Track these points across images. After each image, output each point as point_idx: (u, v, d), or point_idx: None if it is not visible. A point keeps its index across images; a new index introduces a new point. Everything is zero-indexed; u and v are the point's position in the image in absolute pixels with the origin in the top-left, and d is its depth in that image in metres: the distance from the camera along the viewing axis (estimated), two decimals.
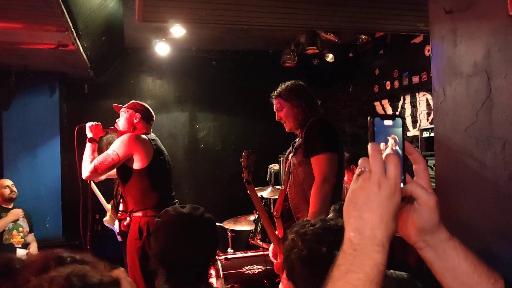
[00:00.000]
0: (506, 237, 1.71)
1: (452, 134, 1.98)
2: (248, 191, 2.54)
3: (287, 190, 2.65)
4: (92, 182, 3.77)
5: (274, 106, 2.73)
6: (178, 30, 4.71)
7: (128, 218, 3.38)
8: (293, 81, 2.74)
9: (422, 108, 4.88)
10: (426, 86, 4.78)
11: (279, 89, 2.72)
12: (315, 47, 5.19)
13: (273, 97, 2.74)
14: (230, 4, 2.77)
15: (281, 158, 4.96)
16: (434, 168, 3.52)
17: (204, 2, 2.73)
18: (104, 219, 4.23)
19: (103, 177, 4.12)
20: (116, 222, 3.47)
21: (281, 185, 4.26)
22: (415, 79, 4.96)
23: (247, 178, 2.53)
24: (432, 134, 3.68)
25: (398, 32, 3.76)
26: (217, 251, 1.76)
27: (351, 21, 3.21)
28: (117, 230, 3.45)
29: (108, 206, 4.21)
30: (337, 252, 1.24)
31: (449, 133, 2.00)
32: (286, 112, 2.68)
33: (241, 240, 5.31)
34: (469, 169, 1.89)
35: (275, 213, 2.62)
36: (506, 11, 1.67)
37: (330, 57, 5.75)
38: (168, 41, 5.21)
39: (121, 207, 3.50)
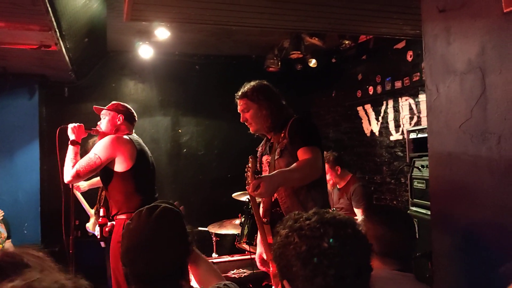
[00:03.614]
0: (503, 233, 1.72)
1: (446, 131, 2.00)
2: (249, 198, 2.43)
3: (276, 195, 2.56)
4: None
5: (239, 107, 2.60)
6: (162, 33, 4.67)
7: (109, 223, 3.31)
8: (258, 81, 2.62)
9: (405, 113, 4.95)
10: (409, 91, 4.86)
11: (244, 89, 2.58)
12: (299, 52, 5.22)
13: (238, 97, 2.61)
14: (220, 3, 2.75)
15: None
16: (421, 168, 3.59)
17: (194, 1, 2.70)
18: (87, 224, 4.12)
19: (86, 188, 4.02)
20: (97, 228, 3.38)
21: None
22: (398, 84, 5.04)
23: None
24: (419, 135, 3.73)
25: (385, 35, 3.81)
26: (190, 253, 1.65)
27: (339, 23, 3.24)
28: (99, 236, 3.37)
29: (91, 211, 4.10)
30: (336, 245, 1.19)
31: (443, 131, 2.02)
32: (253, 114, 2.56)
33: (226, 245, 5.27)
34: (464, 164, 1.90)
35: (264, 219, 2.54)
36: (500, 8, 1.70)
37: (313, 63, 5.80)
38: (151, 44, 5.17)
39: (101, 212, 3.41)
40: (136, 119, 3.48)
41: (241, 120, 2.62)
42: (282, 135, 2.51)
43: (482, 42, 1.81)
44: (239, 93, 2.60)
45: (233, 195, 4.48)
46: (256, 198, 2.40)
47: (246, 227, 3.07)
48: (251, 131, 2.64)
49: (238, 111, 2.62)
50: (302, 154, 2.34)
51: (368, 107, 5.66)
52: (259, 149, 2.79)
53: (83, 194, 4.11)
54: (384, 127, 5.34)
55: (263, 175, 2.34)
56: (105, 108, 3.36)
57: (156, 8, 2.75)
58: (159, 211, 1.59)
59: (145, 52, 5.18)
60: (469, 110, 1.86)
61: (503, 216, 1.73)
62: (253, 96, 2.55)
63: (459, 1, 1.92)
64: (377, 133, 5.48)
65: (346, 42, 5.26)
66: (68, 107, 5.49)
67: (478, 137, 1.82)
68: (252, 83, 2.59)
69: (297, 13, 2.99)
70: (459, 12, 1.92)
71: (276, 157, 2.52)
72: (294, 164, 2.27)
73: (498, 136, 1.74)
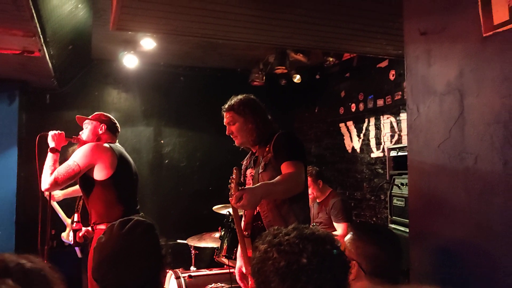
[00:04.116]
0: (479, 251, 1.76)
1: (425, 150, 2.04)
2: (230, 211, 2.43)
3: (258, 208, 2.57)
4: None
5: (225, 119, 2.62)
6: (148, 43, 4.67)
7: (84, 229, 3.26)
8: (245, 95, 2.65)
9: (386, 131, 5.03)
10: (390, 109, 4.95)
11: (231, 102, 2.61)
12: (284, 67, 5.28)
13: (224, 110, 2.63)
14: (207, 17, 2.78)
15: None
16: (401, 186, 3.64)
17: (182, 14, 2.72)
18: (63, 234, 4.04)
19: (61, 197, 3.94)
20: (71, 233, 3.32)
21: None
22: (380, 102, 5.13)
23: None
24: (399, 153, 3.79)
25: (368, 54, 3.89)
26: (164, 266, 1.62)
27: (324, 40, 3.30)
28: (72, 242, 3.31)
29: (68, 221, 4.02)
30: (316, 261, 1.20)
31: (422, 149, 2.06)
32: (238, 127, 2.58)
33: (205, 258, 5.22)
34: (442, 183, 1.95)
35: (245, 232, 2.54)
36: (480, 33, 1.76)
37: (297, 78, 5.87)
38: (137, 54, 5.16)
39: (75, 217, 3.36)
40: (119, 129, 3.45)
41: (227, 133, 2.63)
42: (267, 149, 2.54)
43: (461, 65, 1.87)
44: (226, 106, 2.62)
45: (214, 208, 4.46)
46: (239, 210, 2.41)
47: (225, 241, 3.06)
48: (236, 144, 2.65)
49: (224, 123, 2.63)
50: (285, 168, 2.36)
51: (350, 124, 5.73)
52: (244, 162, 2.80)
53: (59, 202, 4.03)
54: (366, 144, 5.41)
55: (246, 187, 2.35)
56: (88, 118, 3.33)
57: (143, 19, 2.76)
58: (131, 224, 1.57)
59: (129, 61, 5.16)
60: (448, 130, 1.91)
61: (478, 235, 1.77)
62: (239, 110, 2.57)
63: (440, 25, 1.98)
64: (358, 150, 5.55)
65: (330, 59, 5.34)
66: (49, 114, 5.41)
67: (456, 157, 1.87)
68: (239, 97, 2.62)
69: (283, 29, 3.03)
70: (440, 36, 1.98)
71: (260, 171, 2.54)
72: (278, 177, 2.29)
73: (475, 157, 1.78)
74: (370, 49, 3.54)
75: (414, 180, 2.14)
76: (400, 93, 4.74)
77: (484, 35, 1.75)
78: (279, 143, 2.49)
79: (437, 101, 1.98)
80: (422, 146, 2.07)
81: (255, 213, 2.59)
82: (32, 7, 2.99)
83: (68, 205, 4.13)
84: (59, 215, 4.05)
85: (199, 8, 2.60)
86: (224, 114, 2.63)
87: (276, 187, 2.27)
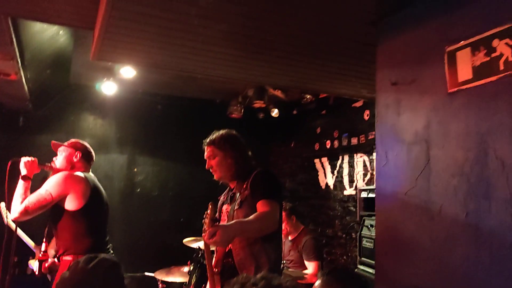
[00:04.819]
0: None
1: (392, 197, 2.10)
2: (201, 246, 2.42)
3: (230, 245, 2.56)
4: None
5: (206, 153, 2.65)
6: (128, 72, 4.69)
7: (50, 260, 3.16)
8: (227, 130, 2.70)
9: (359, 169, 5.12)
10: (364, 148, 5.06)
11: (212, 137, 2.64)
12: (262, 101, 5.38)
13: (205, 144, 2.67)
14: (187, 53, 2.82)
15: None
16: (370, 228, 3.68)
17: (162, 48, 2.76)
18: (30, 261, 3.90)
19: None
20: (36, 263, 3.21)
21: None
22: (354, 141, 5.24)
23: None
24: (370, 195, 3.85)
25: (343, 96, 4.00)
26: None
27: (301, 81, 3.38)
28: (37, 272, 3.19)
29: (36, 248, 3.89)
30: None
31: (390, 196, 2.11)
32: (218, 161, 2.61)
33: None
34: (408, 230, 1.99)
35: (215, 269, 2.52)
36: (445, 88, 1.85)
37: (275, 112, 5.96)
38: (116, 81, 5.16)
39: (43, 246, 3.26)
40: (94, 158, 3.41)
41: (206, 167, 2.65)
42: (244, 186, 2.56)
43: (428, 117, 1.95)
44: (207, 140, 2.66)
45: (184, 240, 4.40)
46: (211, 246, 2.40)
47: (194, 276, 3.02)
48: (215, 178, 2.67)
49: (205, 157, 2.66)
50: (261, 206, 2.38)
51: (324, 160, 5.81)
52: (221, 197, 2.81)
53: (27, 230, 3.90)
54: (339, 181, 5.48)
55: (220, 224, 2.35)
56: (63, 144, 3.28)
57: (124, 51, 2.79)
58: (96, 262, 1.56)
59: (108, 88, 5.16)
60: (414, 178, 1.98)
61: (441, 282, 1.81)
62: (220, 144, 2.60)
63: (410, 77, 2.07)
64: (331, 186, 5.61)
65: (308, 97, 5.48)
66: (22, 137, 5.31)
67: (422, 205, 1.92)
68: (221, 132, 2.67)
69: (262, 69, 3.11)
70: (409, 87, 2.07)
71: (235, 207, 2.55)
72: (252, 216, 2.30)
73: (439, 206, 1.84)
74: (346, 91, 3.65)
75: (381, 225, 2.18)
76: (373, 133, 4.86)
77: (449, 91, 1.84)
78: (257, 181, 2.51)
79: (405, 149, 2.05)
80: (390, 192, 2.12)
81: (227, 250, 2.57)
82: (12, 32, 2.99)
83: (35, 232, 4.01)
84: (26, 242, 3.92)
85: (179, 45, 2.64)
86: (205, 148, 2.66)
87: (250, 226, 2.28)
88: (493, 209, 1.62)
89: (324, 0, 2.12)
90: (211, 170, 2.65)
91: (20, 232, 3.82)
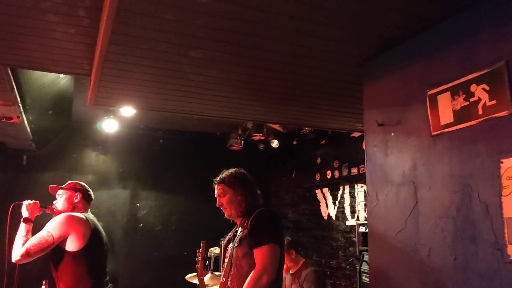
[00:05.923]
0: None
1: (384, 237, 2.11)
2: (198, 282, 2.49)
3: (229, 283, 2.58)
4: None
5: (216, 191, 2.73)
6: (128, 110, 4.76)
7: None
8: (237, 168, 2.78)
9: (360, 199, 5.11)
10: (364, 178, 5.03)
11: (222, 175, 2.72)
12: (261, 134, 5.44)
13: (216, 182, 2.75)
14: (182, 96, 2.90)
15: (222, 242, 4.91)
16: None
17: (157, 93, 2.84)
18: None
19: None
20: None
21: (220, 272, 4.18)
22: (354, 171, 5.25)
23: (202, 269, 2.50)
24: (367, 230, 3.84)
25: (338, 130, 4.04)
26: None
27: (295, 118, 3.44)
28: None
29: None
30: None
31: (382, 237, 2.12)
32: (228, 199, 2.68)
33: None
34: (399, 272, 1.99)
35: None
36: (429, 131, 1.89)
37: (275, 143, 6.00)
38: (117, 118, 5.24)
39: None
40: (93, 198, 3.46)
41: (217, 205, 2.73)
42: (245, 224, 2.60)
43: (414, 159, 1.98)
44: (217, 178, 2.74)
45: (187, 277, 4.38)
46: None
47: None
48: (225, 215, 2.73)
49: (215, 195, 2.74)
50: (258, 255, 2.44)
51: (326, 190, 5.81)
52: (229, 234, 2.85)
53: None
54: (341, 211, 5.47)
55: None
56: (62, 187, 3.33)
57: (119, 96, 2.86)
58: None
59: (109, 126, 5.24)
60: (404, 220, 1.99)
61: None
62: (229, 182, 2.68)
63: (395, 118, 2.11)
64: (334, 217, 5.59)
65: (306, 128, 5.52)
66: (25, 176, 5.37)
67: (412, 247, 1.93)
68: (231, 170, 2.76)
69: (256, 108, 3.17)
70: (395, 128, 2.11)
71: (235, 245, 2.59)
72: (246, 283, 2.36)
73: (428, 249, 1.85)
74: (341, 126, 3.69)
75: (374, 265, 2.18)
76: None
77: (432, 133, 1.87)
78: (255, 221, 2.55)
79: (394, 190, 2.07)
80: (381, 233, 2.13)
81: (228, 285, 2.60)
82: (12, 79, 3.09)
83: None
84: None
85: (173, 89, 2.72)
86: (215, 186, 2.75)
87: None
88: (479, 253, 1.63)
89: (311, 47, 2.18)
90: (221, 208, 2.72)
91: None
